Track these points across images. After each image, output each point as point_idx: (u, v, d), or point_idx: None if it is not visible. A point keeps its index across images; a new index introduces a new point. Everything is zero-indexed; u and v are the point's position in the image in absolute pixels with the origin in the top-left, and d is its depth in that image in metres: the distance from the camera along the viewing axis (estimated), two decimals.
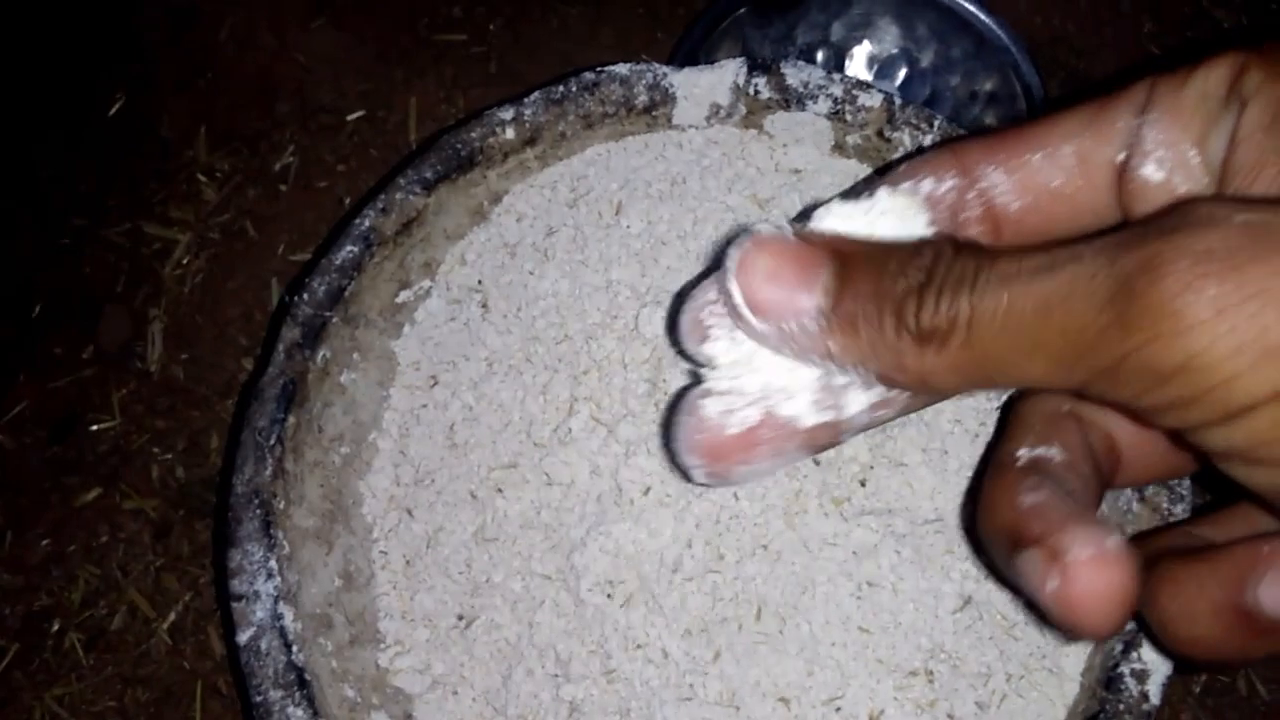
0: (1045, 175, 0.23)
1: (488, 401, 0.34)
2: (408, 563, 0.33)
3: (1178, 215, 0.19)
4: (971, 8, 0.57)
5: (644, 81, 0.37)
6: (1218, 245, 0.18)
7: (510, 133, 0.36)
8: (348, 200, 0.61)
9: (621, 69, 0.37)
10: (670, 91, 0.37)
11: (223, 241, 0.59)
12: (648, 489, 0.31)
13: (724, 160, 0.37)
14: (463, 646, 0.31)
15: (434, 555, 0.33)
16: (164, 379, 0.55)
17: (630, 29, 0.66)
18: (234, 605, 0.30)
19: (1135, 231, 0.19)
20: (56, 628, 0.48)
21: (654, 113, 0.37)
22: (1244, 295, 0.17)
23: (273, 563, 0.30)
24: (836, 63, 0.61)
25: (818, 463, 0.31)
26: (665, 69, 0.37)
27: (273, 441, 0.32)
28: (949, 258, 0.20)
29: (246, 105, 0.63)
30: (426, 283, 0.36)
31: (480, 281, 0.36)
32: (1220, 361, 0.17)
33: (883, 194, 0.23)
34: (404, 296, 0.36)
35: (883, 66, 0.61)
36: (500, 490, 0.33)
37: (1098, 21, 0.69)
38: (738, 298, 0.21)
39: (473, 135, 0.36)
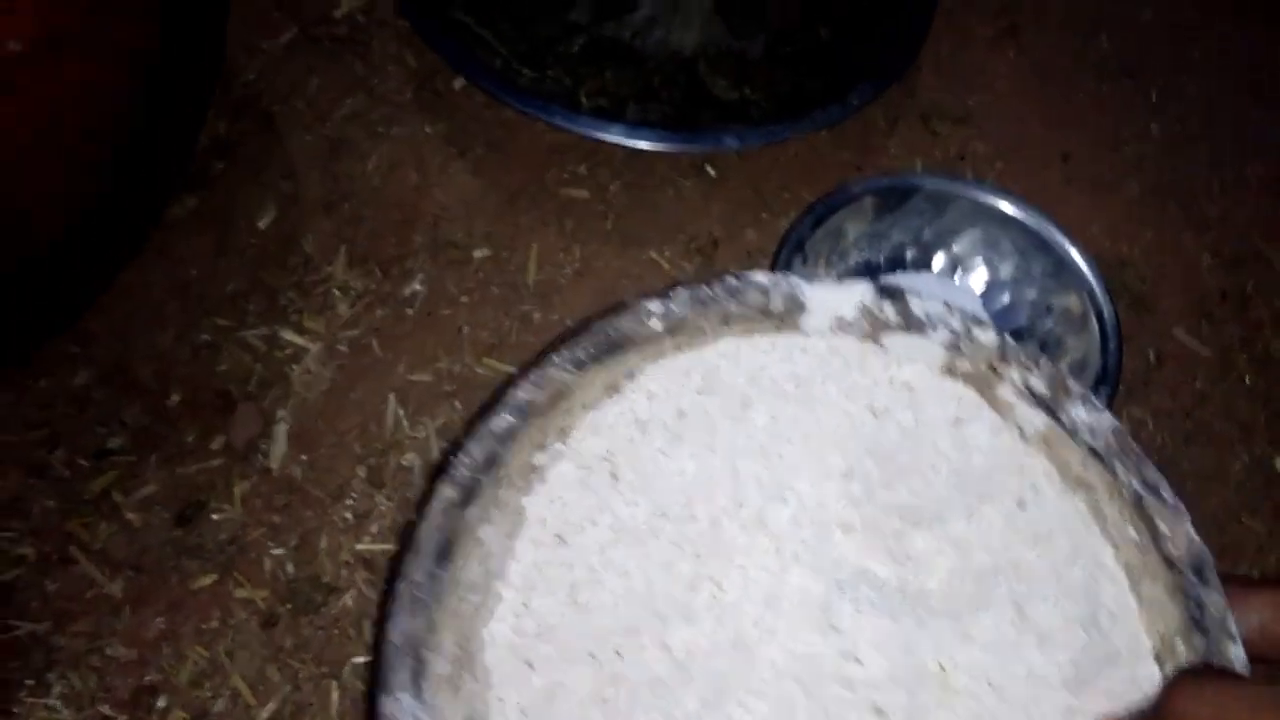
0: None
1: (613, 568, 0.38)
2: (524, 714, 0.36)
3: None
4: (1054, 231, 0.63)
5: (780, 291, 0.42)
6: None
7: (657, 325, 0.41)
8: (466, 329, 0.66)
9: (761, 278, 0.42)
10: (802, 302, 0.42)
11: (350, 355, 0.65)
12: (771, 673, 0.35)
13: (844, 368, 0.42)
14: None
15: (551, 710, 0.36)
16: (283, 477, 0.60)
17: (739, 206, 0.72)
18: None
19: None
20: (163, 703, 0.52)
21: (785, 319, 0.42)
22: None
23: (421, 714, 0.34)
24: (923, 260, 0.67)
25: None
26: (800, 280, 0.42)
27: (425, 596, 0.36)
28: None
29: (384, 232, 0.70)
30: (559, 446, 0.41)
31: (610, 451, 0.41)
32: None
33: None
34: (538, 459, 0.41)
35: (964, 269, 0.66)
36: (619, 654, 0.36)
37: (1161, 251, 0.75)
38: None
39: (623, 324, 0.41)
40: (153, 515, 0.58)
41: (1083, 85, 0.84)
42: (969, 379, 0.41)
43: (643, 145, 0.69)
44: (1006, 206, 0.65)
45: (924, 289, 0.50)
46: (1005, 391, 0.41)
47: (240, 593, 0.56)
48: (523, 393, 0.40)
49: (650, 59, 0.74)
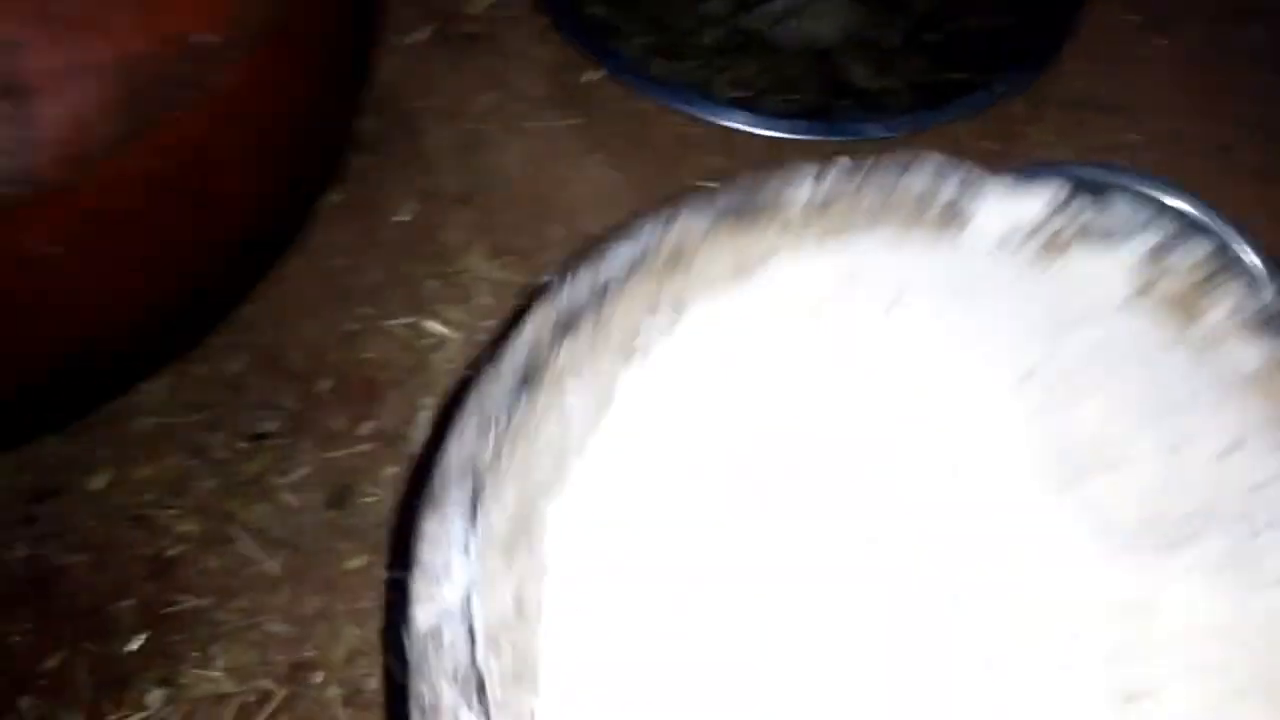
0: None
1: (714, 449, 0.33)
2: (583, 606, 0.30)
3: None
4: (1224, 225, 0.60)
5: (953, 180, 0.38)
6: None
7: (805, 192, 0.37)
8: None
9: (937, 157, 0.39)
10: (973, 202, 0.39)
11: (489, 344, 0.65)
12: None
13: (1015, 280, 0.38)
14: (638, 703, 0.28)
15: (618, 594, 0.30)
16: (426, 464, 0.61)
17: None
18: (417, 574, 0.27)
19: None
20: (319, 679, 0.53)
21: (949, 215, 0.39)
22: None
23: (473, 543, 0.28)
24: None
25: None
26: (981, 172, 0.39)
27: (501, 420, 0.31)
28: None
29: (522, 225, 0.70)
30: (671, 320, 0.36)
31: (731, 334, 0.36)
32: None
33: None
34: (646, 325, 0.35)
35: None
36: (721, 524, 0.31)
37: None
38: None
39: (772, 181, 0.37)
40: (307, 497, 0.59)
41: (1238, 75, 0.80)
42: (1158, 312, 0.38)
43: (781, 135, 0.68)
44: (1172, 199, 0.62)
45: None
46: (1214, 319, 0.37)
47: (389, 576, 0.56)
48: (649, 228, 0.36)
49: (787, 48, 0.74)
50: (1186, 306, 0.37)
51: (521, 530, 0.31)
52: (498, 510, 0.30)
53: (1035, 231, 0.38)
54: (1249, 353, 0.37)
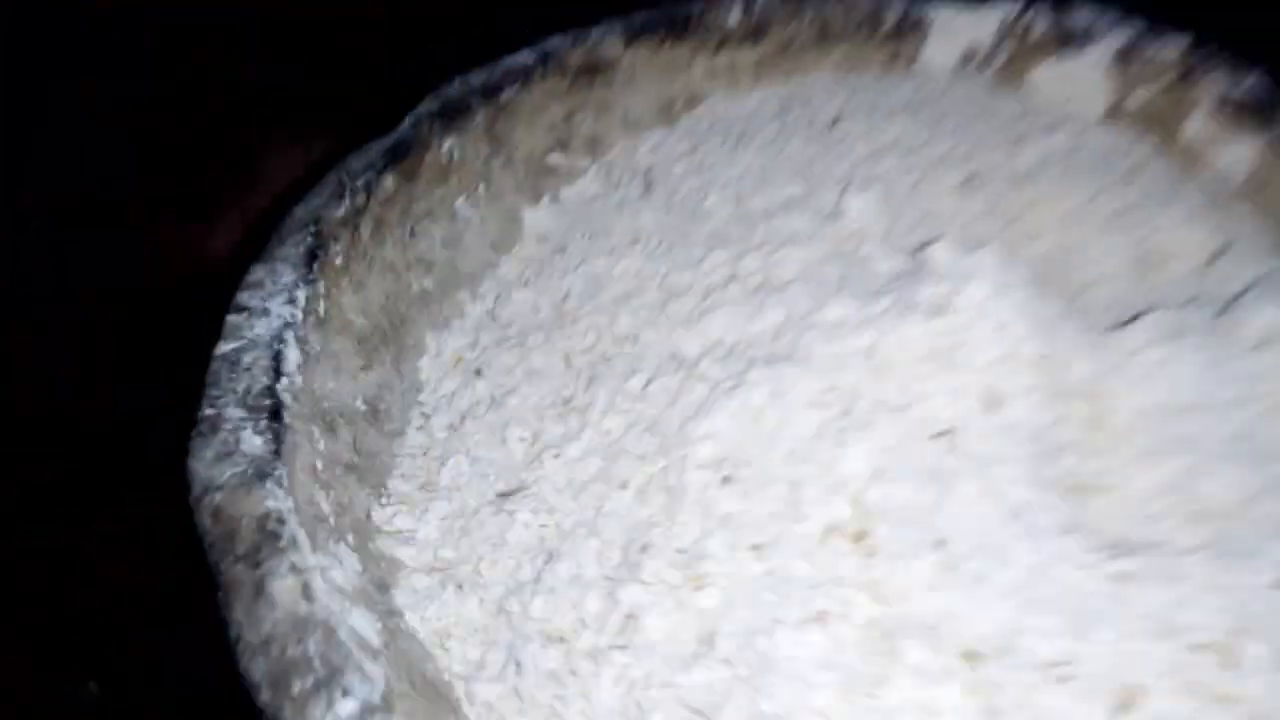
0: None
1: (621, 270, 0.28)
2: (452, 428, 0.26)
3: None
4: None
5: (897, 5, 0.33)
6: None
7: (735, 14, 0.32)
8: None
9: None
10: (925, 20, 0.32)
11: None
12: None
13: (968, 120, 0.32)
14: (492, 529, 0.23)
15: (494, 418, 0.25)
16: None
17: None
18: (229, 319, 0.23)
19: None
20: None
21: (900, 41, 0.32)
22: None
23: (300, 293, 0.23)
24: None
25: None
26: None
27: (359, 187, 0.26)
28: None
29: None
30: (585, 162, 0.31)
31: (650, 169, 0.32)
32: None
33: None
34: (554, 160, 0.31)
35: None
36: (607, 358, 0.26)
37: None
38: None
39: (687, 7, 0.32)
40: None
41: None
42: (1141, 118, 0.31)
43: None
44: None
45: None
46: (1196, 125, 0.30)
47: None
48: (552, 41, 0.31)
49: None
50: (1164, 119, 0.31)
51: (389, 340, 0.27)
52: (350, 300, 0.26)
53: (993, 51, 0.32)
54: (1237, 154, 0.30)
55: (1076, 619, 0.20)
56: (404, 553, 0.23)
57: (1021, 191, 0.29)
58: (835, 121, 0.31)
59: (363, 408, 0.25)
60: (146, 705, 0.42)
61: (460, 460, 0.25)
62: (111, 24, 0.54)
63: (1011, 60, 0.32)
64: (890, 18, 0.32)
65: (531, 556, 0.23)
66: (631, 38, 0.31)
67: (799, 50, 0.33)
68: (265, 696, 0.18)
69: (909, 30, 0.32)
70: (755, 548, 0.22)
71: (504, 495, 0.24)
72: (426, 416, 0.26)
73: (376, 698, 0.17)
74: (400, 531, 0.23)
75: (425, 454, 0.25)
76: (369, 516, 0.24)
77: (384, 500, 0.24)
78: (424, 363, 0.27)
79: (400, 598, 0.22)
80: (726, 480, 0.23)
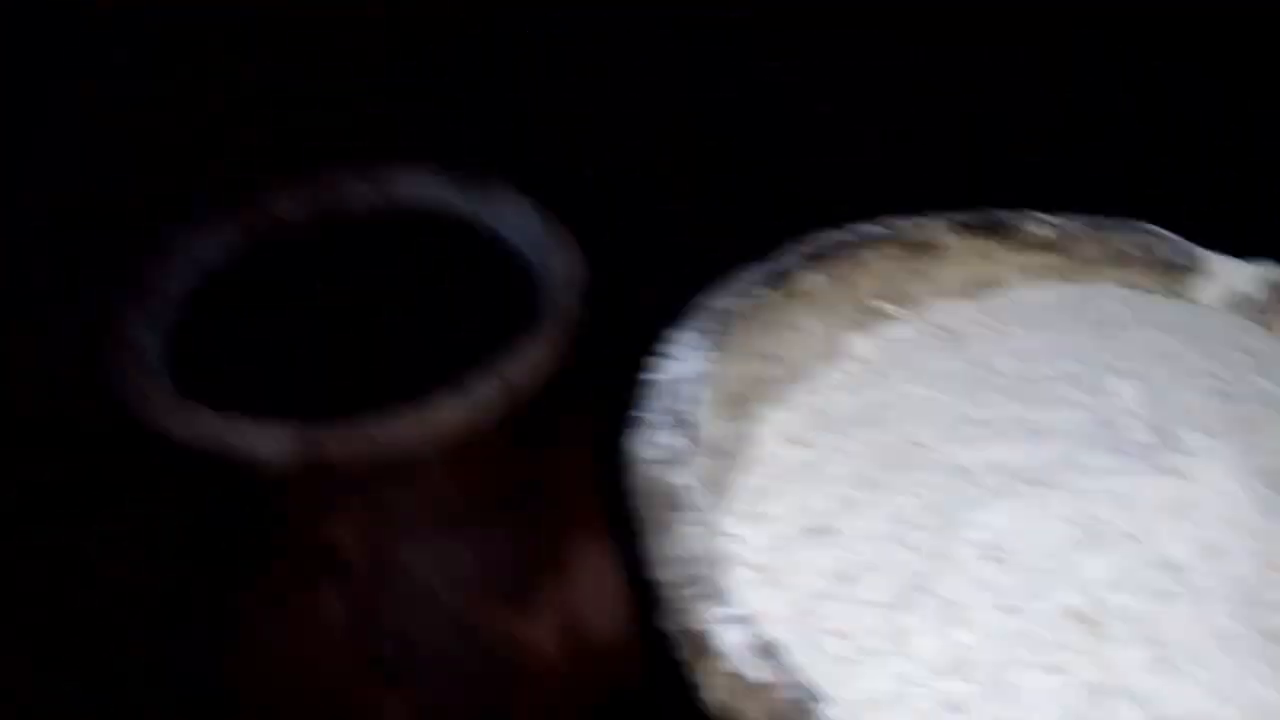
0: None
1: (923, 396, 0.35)
2: (779, 478, 0.33)
3: None
4: None
5: (1179, 247, 0.40)
6: None
7: (1047, 230, 0.40)
8: None
9: (1157, 229, 0.40)
10: (1207, 266, 0.39)
11: None
12: None
13: (1229, 348, 0.38)
14: (803, 553, 0.30)
15: (811, 476, 0.33)
16: None
17: None
18: (658, 360, 0.33)
19: None
20: None
21: (1181, 275, 0.39)
22: None
23: (706, 355, 0.33)
24: None
25: None
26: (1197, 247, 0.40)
27: (746, 293, 0.36)
28: None
29: None
30: (904, 311, 0.40)
31: (955, 329, 0.39)
32: None
33: None
34: (880, 305, 0.39)
35: None
36: (905, 456, 0.33)
37: None
38: None
39: (1008, 215, 0.40)
40: None
41: None
42: None
43: None
44: None
45: None
46: None
47: None
48: (903, 222, 0.39)
49: None
50: None
51: (743, 402, 0.36)
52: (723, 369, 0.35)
53: (1264, 303, 0.39)
54: None
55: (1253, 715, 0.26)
56: (737, 550, 0.32)
57: (1268, 409, 0.36)
58: (1113, 323, 0.38)
59: (726, 446, 0.34)
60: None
61: (785, 500, 0.33)
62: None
63: (1267, 311, 0.38)
64: (1177, 259, 0.40)
65: (829, 578, 0.31)
66: (959, 228, 0.40)
67: (1093, 264, 0.41)
68: (670, 598, 0.26)
69: (1190, 269, 0.39)
70: (1008, 609, 0.29)
71: (813, 531, 0.32)
72: (762, 465, 0.35)
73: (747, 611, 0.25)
74: (736, 536, 0.32)
75: (759, 491, 0.34)
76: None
77: (728, 514, 0.33)
78: (764, 429, 0.36)
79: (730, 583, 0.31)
80: (990, 559, 0.30)
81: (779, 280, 0.37)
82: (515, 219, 0.50)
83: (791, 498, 0.33)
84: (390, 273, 0.53)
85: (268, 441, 0.40)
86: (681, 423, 0.31)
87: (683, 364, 0.33)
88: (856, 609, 0.29)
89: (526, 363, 0.42)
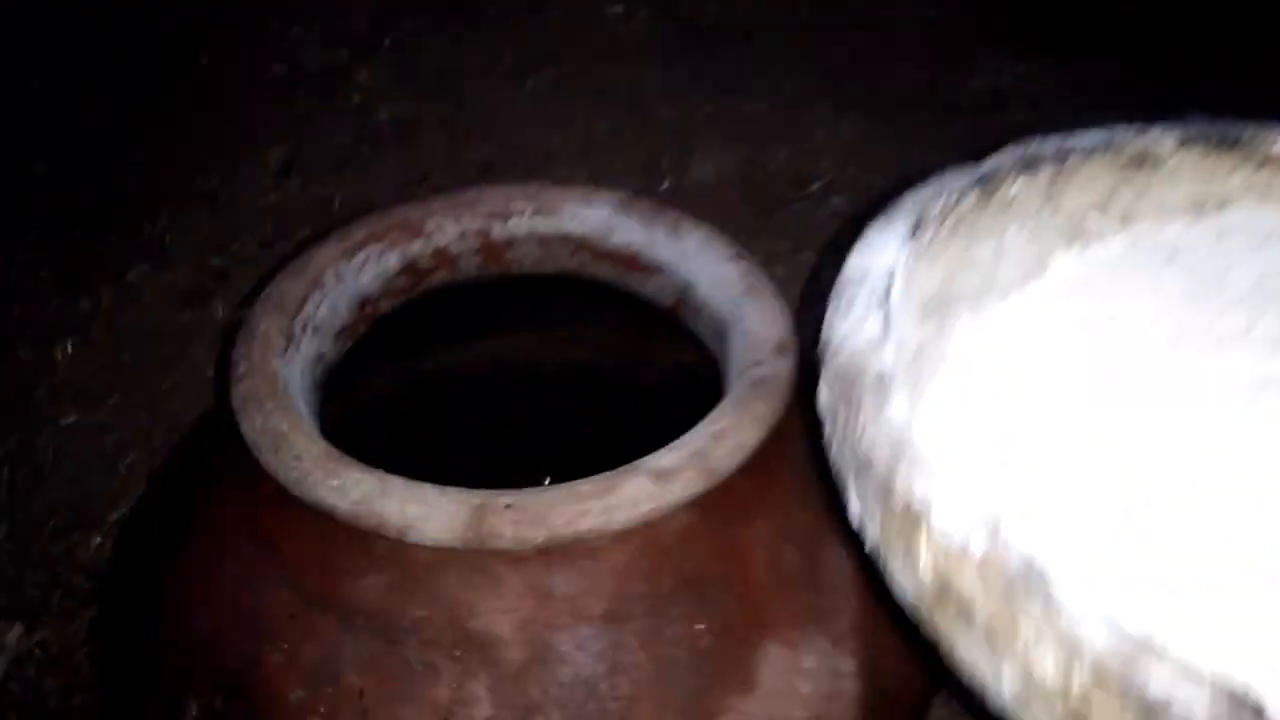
0: None
1: (1143, 308, 0.34)
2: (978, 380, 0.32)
3: None
4: None
5: None
6: None
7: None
8: None
9: None
10: None
11: None
12: None
13: None
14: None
15: (1014, 383, 0.32)
16: None
17: None
18: (859, 247, 0.32)
19: None
20: None
21: None
22: None
23: (904, 250, 0.31)
24: None
25: None
26: None
27: (952, 195, 0.34)
28: None
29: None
30: (1114, 228, 0.37)
31: (1175, 245, 0.37)
32: None
33: None
34: (1091, 223, 0.37)
35: None
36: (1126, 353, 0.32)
37: None
38: None
39: (1245, 129, 0.37)
40: None
41: None
42: None
43: None
44: None
45: None
46: None
47: None
48: (1120, 130, 0.37)
49: None
50: None
51: (937, 307, 0.35)
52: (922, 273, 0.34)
53: None
54: None
55: None
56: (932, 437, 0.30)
57: None
58: None
59: (922, 346, 0.33)
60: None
61: (981, 408, 0.31)
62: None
63: None
64: None
65: (1036, 468, 0.29)
66: (1184, 141, 0.37)
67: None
68: (877, 474, 0.25)
69: None
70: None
71: (1013, 431, 0.30)
72: (956, 371, 0.33)
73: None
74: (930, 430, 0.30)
75: (954, 394, 0.32)
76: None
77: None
78: (958, 336, 0.34)
79: None
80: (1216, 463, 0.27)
81: (985, 184, 0.35)
82: (704, 260, 0.42)
83: (989, 405, 0.31)
84: (561, 320, 0.47)
85: (433, 514, 0.32)
86: (881, 312, 0.29)
87: (883, 256, 0.31)
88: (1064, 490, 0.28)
89: (728, 441, 0.34)
